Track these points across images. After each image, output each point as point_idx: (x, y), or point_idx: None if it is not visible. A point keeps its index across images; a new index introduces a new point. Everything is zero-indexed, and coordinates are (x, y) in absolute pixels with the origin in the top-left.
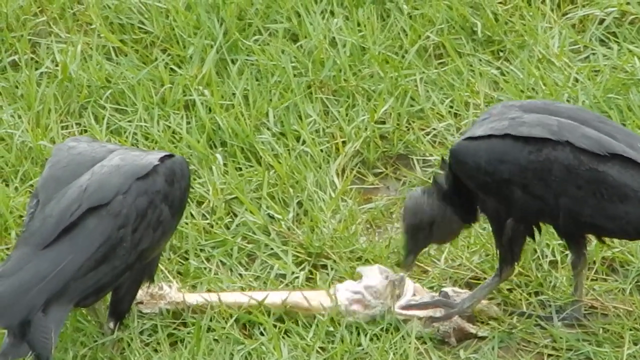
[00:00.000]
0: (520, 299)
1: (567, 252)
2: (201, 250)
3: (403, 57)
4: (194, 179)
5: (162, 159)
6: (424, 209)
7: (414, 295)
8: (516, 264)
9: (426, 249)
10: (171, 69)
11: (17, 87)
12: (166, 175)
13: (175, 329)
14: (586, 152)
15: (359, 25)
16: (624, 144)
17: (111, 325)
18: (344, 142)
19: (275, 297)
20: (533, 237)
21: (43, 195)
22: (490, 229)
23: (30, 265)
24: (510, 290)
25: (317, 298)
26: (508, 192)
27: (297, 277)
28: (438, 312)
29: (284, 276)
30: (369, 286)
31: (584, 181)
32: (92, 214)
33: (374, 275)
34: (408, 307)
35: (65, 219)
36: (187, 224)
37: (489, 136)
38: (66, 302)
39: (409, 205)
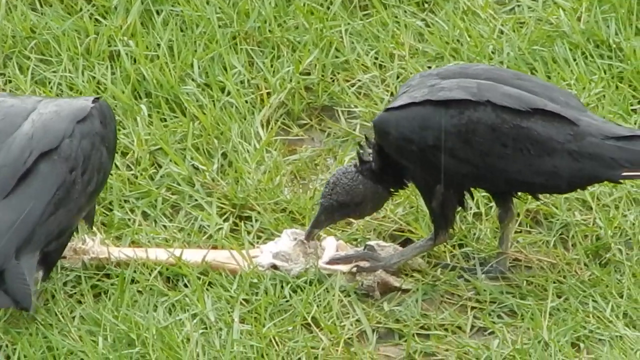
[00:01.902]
0: (444, 251)
1: (491, 204)
2: (125, 201)
3: (328, 8)
4: (119, 130)
5: (93, 102)
6: (359, 189)
7: (337, 251)
8: (451, 229)
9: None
10: (96, 19)
11: None
12: (100, 117)
13: (98, 280)
14: (508, 109)
15: None
16: (544, 98)
17: (40, 275)
18: (268, 94)
19: (195, 255)
20: (463, 205)
21: None
22: (421, 197)
23: None
24: None
25: (238, 259)
26: (434, 159)
27: (221, 229)
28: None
29: (207, 227)
30: (279, 252)
31: (509, 139)
32: (44, 159)
33: (283, 240)
34: (333, 261)
35: (20, 166)
36: (111, 174)
37: (409, 104)
38: (33, 249)
39: (343, 182)
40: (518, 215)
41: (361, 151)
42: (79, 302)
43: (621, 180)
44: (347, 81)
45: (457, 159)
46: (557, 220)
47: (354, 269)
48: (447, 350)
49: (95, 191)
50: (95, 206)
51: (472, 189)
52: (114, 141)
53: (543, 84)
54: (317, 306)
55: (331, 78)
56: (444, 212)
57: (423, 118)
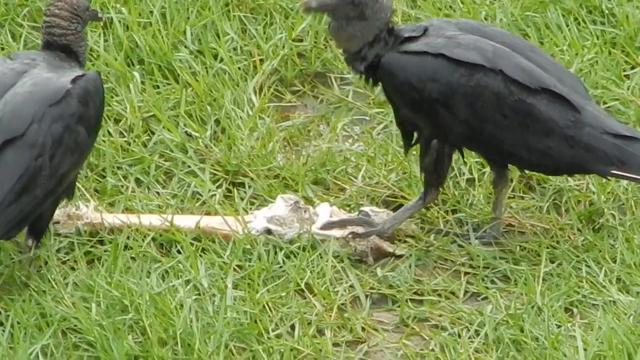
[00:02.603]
0: (438, 217)
1: (485, 169)
2: (118, 168)
3: None
4: (111, 97)
5: (74, 80)
6: None
7: (331, 217)
8: (441, 188)
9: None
10: None
11: None
12: (80, 97)
13: (92, 247)
14: (517, 82)
15: None
16: (554, 78)
17: (29, 242)
18: (261, 60)
19: (189, 221)
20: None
21: None
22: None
23: None
24: (427, 208)
25: (232, 224)
26: (433, 112)
27: (214, 195)
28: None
29: (201, 194)
30: (273, 216)
31: (511, 111)
32: (9, 146)
33: (277, 205)
34: (327, 227)
35: None
36: (104, 141)
37: (424, 53)
38: None
39: None
40: (511, 180)
41: None
42: (72, 268)
43: (609, 177)
44: None
45: (456, 118)
46: (551, 185)
47: (349, 235)
48: (440, 315)
49: (69, 171)
50: (74, 182)
51: (465, 150)
52: (98, 116)
53: (554, 62)
54: (311, 272)
55: (324, 44)
56: (436, 169)
57: (433, 70)
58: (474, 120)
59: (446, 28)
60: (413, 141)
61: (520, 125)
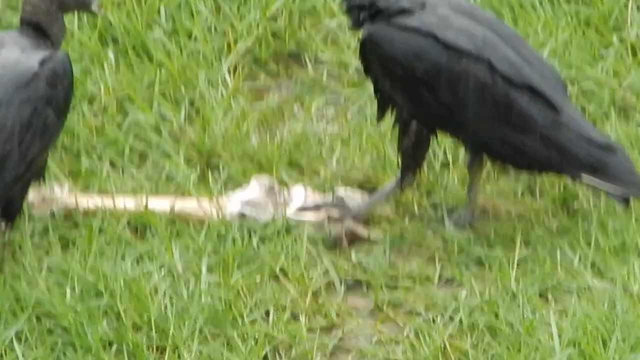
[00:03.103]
0: (412, 201)
1: (459, 153)
2: (93, 149)
3: None
4: (85, 77)
5: (42, 63)
6: None
7: (306, 200)
8: (418, 172)
9: None
10: None
11: None
12: (48, 79)
13: (66, 230)
14: (502, 74)
15: None
16: (538, 74)
17: (2, 227)
18: (235, 40)
19: (164, 204)
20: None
21: None
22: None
23: None
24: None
25: (206, 207)
26: (414, 90)
27: (189, 178)
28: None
29: (175, 176)
30: (248, 200)
31: (492, 101)
32: None
33: (252, 188)
34: (302, 210)
35: None
36: (78, 122)
37: (415, 30)
38: None
39: None
40: (486, 164)
41: None
42: (47, 252)
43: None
44: (314, 27)
45: (435, 99)
46: None
47: (324, 218)
48: (414, 301)
49: (39, 154)
50: (45, 163)
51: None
52: (66, 98)
53: (539, 57)
54: (285, 257)
55: (298, 24)
56: (414, 153)
57: (421, 49)
58: (454, 105)
59: (440, 5)
60: (390, 118)
61: (498, 117)
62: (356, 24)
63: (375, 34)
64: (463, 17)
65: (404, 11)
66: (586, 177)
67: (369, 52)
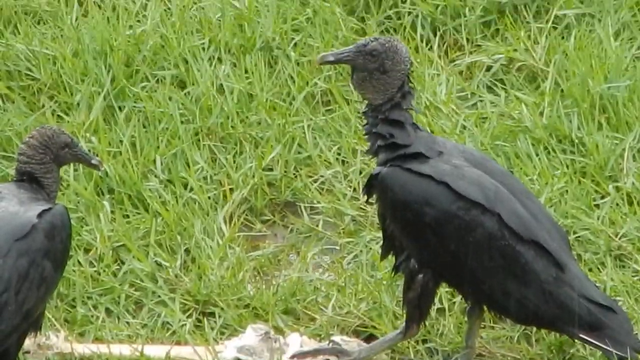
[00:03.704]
0: (408, 347)
1: (455, 299)
2: (88, 297)
3: (291, 104)
4: (81, 227)
5: (40, 215)
6: None
7: (302, 347)
8: (422, 323)
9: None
10: (58, 115)
11: None
12: (46, 231)
13: None
14: (511, 228)
15: (246, 72)
16: (545, 230)
17: None
18: (231, 189)
19: (159, 351)
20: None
21: None
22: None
23: None
24: None
25: (202, 354)
26: (421, 235)
27: (184, 325)
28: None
29: (171, 324)
30: (243, 346)
31: (498, 253)
32: None
33: (248, 334)
34: (300, 355)
35: None
36: (74, 271)
37: (428, 176)
38: None
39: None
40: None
41: None
42: None
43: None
44: (310, 177)
45: (442, 246)
46: None
47: None
48: None
49: (35, 306)
50: (42, 314)
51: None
52: (63, 250)
53: (546, 213)
54: None
55: (294, 174)
56: (419, 305)
57: (433, 196)
58: (461, 254)
59: (455, 155)
60: (391, 262)
61: (503, 270)
62: (372, 152)
63: (389, 176)
64: (476, 168)
65: (419, 155)
66: (584, 336)
67: (379, 193)
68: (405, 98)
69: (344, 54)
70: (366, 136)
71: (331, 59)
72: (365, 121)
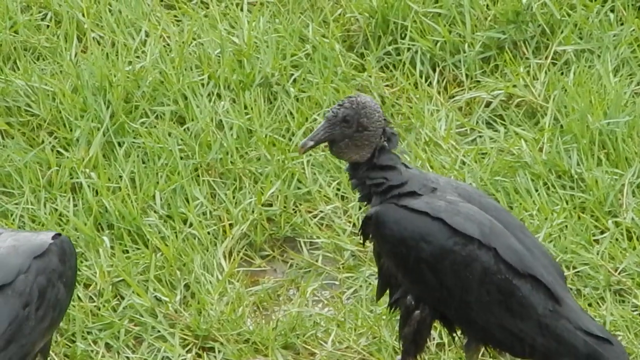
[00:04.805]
0: None
1: (454, 333)
2: (88, 333)
3: (290, 139)
4: (81, 262)
5: (54, 237)
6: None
7: None
8: (418, 357)
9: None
10: (58, 151)
11: None
12: (59, 254)
13: None
14: (507, 263)
15: (245, 108)
16: (540, 264)
17: None
18: (231, 225)
19: None
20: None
21: None
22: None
23: None
24: None
25: None
26: (417, 270)
27: None
28: None
29: (171, 359)
30: None
31: (494, 288)
32: None
33: None
34: None
35: None
36: (74, 306)
37: (423, 213)
38: None
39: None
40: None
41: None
42: None
43: None
44: (309, 212)
45: (439, 282)
46: None
47: None
48: None
49: (49, 327)
50: (50, 340)
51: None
52: (73, 278)
53: (540, 247)
54: None
55: (293, 209)
56: (415, 339)
57: (429, 232)
58: (457, 289)
59: (448, 191)
60: (389, 298)
61: (499, 304)
62: (365, 199)
63: (383, 213)
64: (470, 203)
65: (413, 194)
66: None
67: (374, 230)
68: (390, 140)
69: (320, 133)
70: (355, 188)
71: (311, 144)
72: (351, 175)
